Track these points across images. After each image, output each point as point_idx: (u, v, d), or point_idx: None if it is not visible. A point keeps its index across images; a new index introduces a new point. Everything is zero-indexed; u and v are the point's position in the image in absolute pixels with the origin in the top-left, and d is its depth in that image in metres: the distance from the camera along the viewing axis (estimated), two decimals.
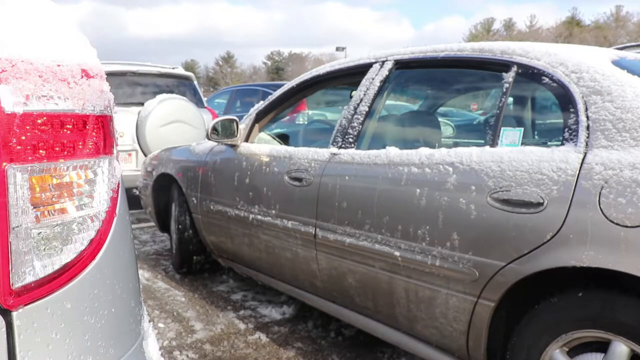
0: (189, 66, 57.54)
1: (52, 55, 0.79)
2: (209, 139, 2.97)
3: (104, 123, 0.88)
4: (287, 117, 4.18)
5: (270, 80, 52.21)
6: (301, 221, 2.32)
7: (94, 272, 0.84)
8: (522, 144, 1.72)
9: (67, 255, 0.81)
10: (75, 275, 0.82)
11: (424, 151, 1.89)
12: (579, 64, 1.66)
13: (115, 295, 0.90)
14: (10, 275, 0.74)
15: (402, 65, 2.32)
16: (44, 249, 0.78)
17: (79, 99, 0.82)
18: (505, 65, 1.87)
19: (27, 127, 0.75)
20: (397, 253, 1.89)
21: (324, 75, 2.66)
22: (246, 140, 2.91)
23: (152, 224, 4.59)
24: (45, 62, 0.77)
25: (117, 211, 0.91)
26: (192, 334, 2.60)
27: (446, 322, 1.78)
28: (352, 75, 2.53)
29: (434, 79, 2.64)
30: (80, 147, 0.83)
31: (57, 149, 0.79)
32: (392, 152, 2.00)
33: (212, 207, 2.98)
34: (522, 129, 1.79)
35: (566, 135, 1.58)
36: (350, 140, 2.26)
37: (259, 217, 2.57)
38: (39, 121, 0.77)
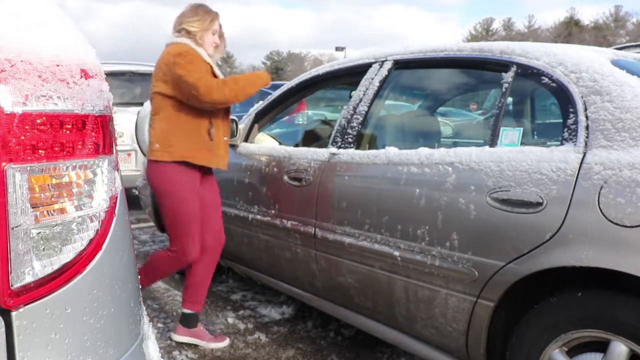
0: None
1: (51, 55, 0.79)
2: None
3: (103, 123, 0.88)
4: (287, 117, 4.17)
5: None
6: (301, 221, 2.32)
7: (93, 272, 0.84)
8: (521, 143, 1.72)
9: (67, 255, 0.81)
10: (74, 275, 0.82)
11: (424, 151, 1.89)
12: (578, 64, 1.66)
13: (115, 295, 0.89)
14: (10, 276, 0.74)
15: (401, 65, 2.32)
16: (43, 249, 0.78)
17: (78, 99, 0.82)
18: (504, 65, 1.87)
19: (27, 127, 0.75)
20: (396, 253, 1.89)
21: (323, 75, 2.66)
22: (245, 140, 2.91)
23: (152, 224, 4.59)
24: (44, 62, 0.77)
25: (116, 211, 0.91)
26: None
27: (445, 322, 1.78)
28: (352, 75, 2.53)
29: (433, 79, 2.63)
30: (79, 147, 0.83)
31: (56, 149, 0.79)
32: (392, 152, 2.00)
33: None
34: (522, 128, 1.79)
35: (565, 135, 1.58)
36: (350, 140, 2.26)
37: (259, 217, 2.57)
38: (38, 121, 0.77)
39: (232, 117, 2.86)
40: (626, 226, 1.32)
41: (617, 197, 1.35)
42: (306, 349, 2.44)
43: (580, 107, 1.57)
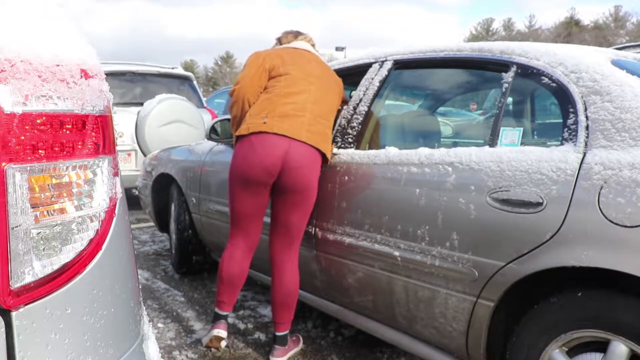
0: (188, 66, 57.45)
1: (51, 55, 0.79)
2: (208, 139, 2.97)
3: (103, 123, 0.88)
4: None
5: None
6: None
7: (93, 272, 0.84)
8: (521, 143, 1.72)
9: (67, 255, 0.81)
10: (74, 275, 0.82)
11: (424, 151, 1.89)
12: (578, 64, 1.66)
13: (115, 295, 0.89)
14: (10, 276, 0.74)
15: (401, 65, 2.32)
16: (43, 249, 0.78)
17: (78, 99, 0.82)
18: (504, 65, 1.87)
19: (27, 127, 0.75)
20: (396, 253, 1.89)
21: None
22: None
23: (152, 224, 4.59)
24: (44, 62, 0.77)
25: (116, 211, 0.91)
26: (192, 334, 2.60)
27: (445, 322, 1.78)
28: (352, 75, 2.53)
29: (433, 79, 2.64)
30: (79, 147, 0.83)
31: (56, 149, 0.79)
32: (392, 152, 2.00)
33: (211, 207, 2.97)
34: (522, 128, 1.79)
35: (565, 135, 1.58)
36: (350, 140, 2.26)
37: None
38: (38, 121, 0.77)
39: (225, 117, 2.85)
40: (626, 226, 1.32)
41: (617, 197, 1.35)
42: (306, 349, 2.45)
43: (580, 107, 1.58)
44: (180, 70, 6.62)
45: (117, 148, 0.96)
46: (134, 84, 6.01)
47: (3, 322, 0.73)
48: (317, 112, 2.20)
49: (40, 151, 0.77)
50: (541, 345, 1.52)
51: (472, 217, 1.65)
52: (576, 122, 1.56)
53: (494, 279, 1.60)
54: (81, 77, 0.83)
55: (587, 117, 1.54)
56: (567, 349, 1.48)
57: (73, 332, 0.81)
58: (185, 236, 3.38)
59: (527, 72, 1.80)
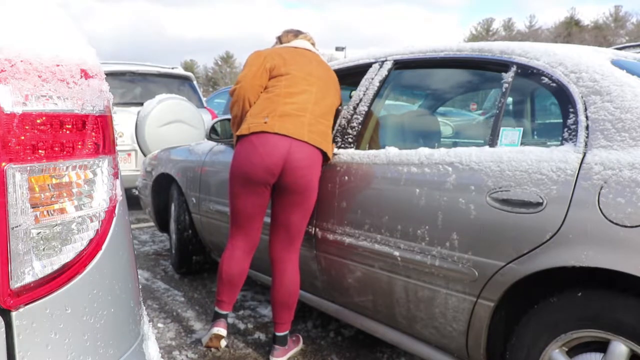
0: (187, 66, 57.44)
1: (51, 55, 0.79)
2: (208, 139, 2.97)
3: (103, 123, 0.88)
4: None
5: None
6: None
7: (93, 272, 0.84)
8: (521, 143, 1.72)
9: (67, 255, 0.81)
10: (74, 275, 0.82)
11: (424, 151, 1.89)
12: (578, 64, 1.66)
13: (115, 295, 0.89)
14: (10, 276, 0.74)
15: (401, 65, 2.32)
16: (43, 249, 0.78)
17: (78, 99, 0.82)
18: (504, 65, 1.87)
19: (27, 127, 0.75)
20: (396, 253, 1.89)
21: None
22: None
23: (152, 224, 4.59)
24: (44, 62, 0.77)
25: (116, 211, 0.91)
26: (192, 333, 2.60)
27: (445, 322, 1.78)
28: (352, 76, 2.54)
29: (433, 79, 2.64)
30: (79, 147, 0.83)
31: (56, 149, 0.79)
32: (392, 152, 2.00)
33: (211, 207, 2.98)
34: (522, 128, 1.79)
35: (565, 135, 1.58)
36: (350, 140, 2.26)
37: None
38: (38, 121, 0.77)
39: (225, 117, 2.86)
40: (626, 226, 1.32)
41: (617, 197, 1.35)
42: (306, 349, 2.45)
43: (580, 107, 1.58)
44: (180, 70, 6.62)
45: (117, 148, 0.96)
46: (134, 84, 6.02)
47: (3, 322, 0.73)
48: (317, 112, 2.21)
49: (40, 151, 0.77)
50: (541, 345, 1.52)
51: (472, 217, 1.65)
52: (576, 122, 1.56)
53: (494, 279, 1.60)
54: (81, 77, 0.83)
55: (587, 117, 1.54)
56: (567, 349, 1.49)
57: (73, 332, 0.81)
58: (185, 236, 3.38)
59: (527, 72, 1.80)
